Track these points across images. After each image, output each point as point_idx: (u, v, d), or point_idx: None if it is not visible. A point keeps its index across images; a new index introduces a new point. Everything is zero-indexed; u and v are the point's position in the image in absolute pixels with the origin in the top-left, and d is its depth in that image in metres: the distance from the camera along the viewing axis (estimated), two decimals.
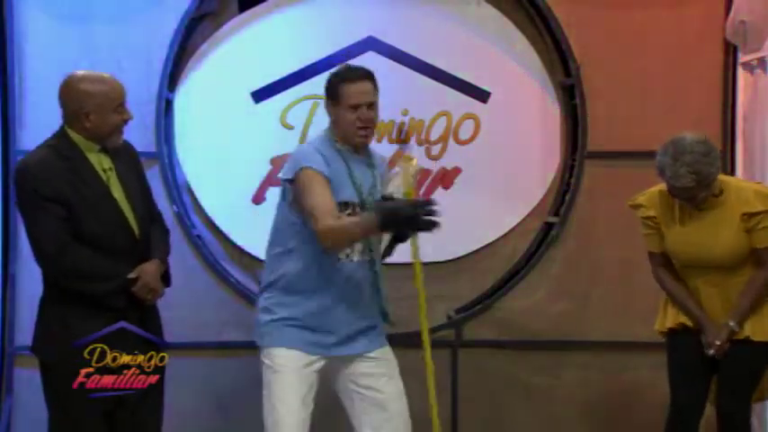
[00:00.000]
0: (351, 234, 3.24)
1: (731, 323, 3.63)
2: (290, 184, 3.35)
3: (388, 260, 3.49)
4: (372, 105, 3.37)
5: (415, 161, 3.45)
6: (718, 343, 3.64)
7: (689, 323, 3.72)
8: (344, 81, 3.36)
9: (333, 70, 3.46)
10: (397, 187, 3.40)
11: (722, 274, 3.67)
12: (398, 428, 3.44)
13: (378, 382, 3.44)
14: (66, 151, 3.33)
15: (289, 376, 3.36)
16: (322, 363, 3.42)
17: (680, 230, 3.69)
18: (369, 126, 3.38)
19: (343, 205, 3.34)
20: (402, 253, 3.53)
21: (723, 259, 3.64)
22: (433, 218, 3.09)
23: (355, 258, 3.39)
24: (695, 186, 3.54)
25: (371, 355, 3.46)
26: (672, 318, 3.79)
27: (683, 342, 3.76)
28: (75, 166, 3.32)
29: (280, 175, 3.43)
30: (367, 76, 3.39)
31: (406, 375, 3.55)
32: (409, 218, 3.11)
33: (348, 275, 3.38)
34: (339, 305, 3.39)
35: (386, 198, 3.37)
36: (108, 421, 3.36)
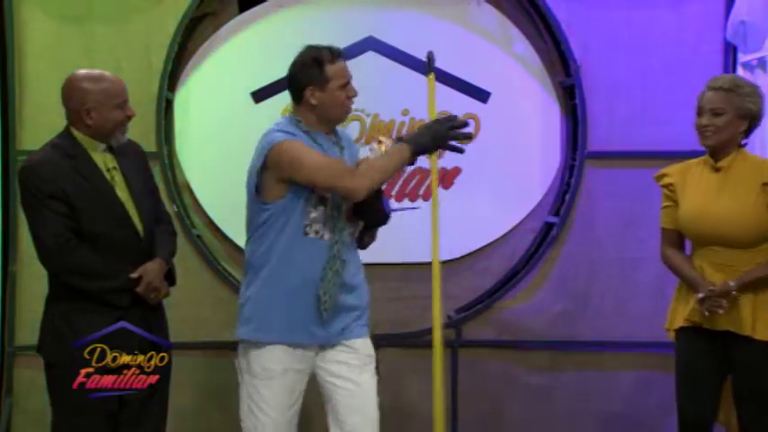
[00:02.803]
0: (384, 170, 3.22)
1: (731, 283, 3.46)
2: (263, 171, 3.27)
3: (387, 260, 3.48)
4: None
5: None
6: (709, 293, 3.45)
7: (697, 318, 3.54)
8: (329, 62, 3.33)
9: (303, 55, 3.39)
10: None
11: (733, 256, 3.51)
12: (364, 424, 3.31)
13: (352, 373, 3.32)
14: (70, 150, 3.34)
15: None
16: (308, 357, 3.34)
17: (695, 199, 3.58)
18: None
19: None
20: (401, 254, 3.53)
21: (737, 233, 3.50)
22: (461, 131, 3.18)
23: (326, 236, 3.28)
24: (726, 96, 3.52)
25: (348, 344, 3.34)
26: (681, 316, 3.61)
27: (690, 345, 3.59)
28: (79, 164, 3.33)
29: (248, 168, 3.34)
30: (341, 52, 3.39)
31: (406, 375, 3.55)
32: (436, 133, 3.17)
33: (312, 254, 3.27)
34: (301, 282, 3.26)
35: None
36: (112, 422, 3.36)
